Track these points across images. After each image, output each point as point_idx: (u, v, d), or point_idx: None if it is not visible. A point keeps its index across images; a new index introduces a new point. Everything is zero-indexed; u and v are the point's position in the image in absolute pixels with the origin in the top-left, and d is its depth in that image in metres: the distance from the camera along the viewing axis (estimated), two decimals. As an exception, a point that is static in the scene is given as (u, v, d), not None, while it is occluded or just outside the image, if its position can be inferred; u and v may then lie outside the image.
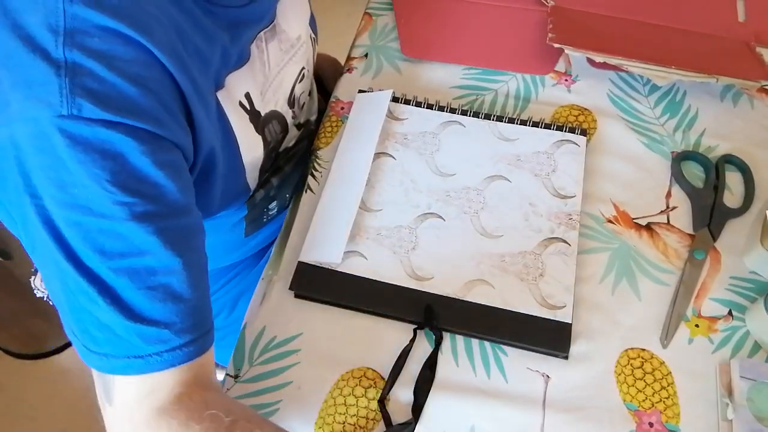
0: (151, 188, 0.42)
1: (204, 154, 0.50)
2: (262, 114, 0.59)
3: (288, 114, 0.65)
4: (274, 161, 0.67)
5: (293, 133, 0.70)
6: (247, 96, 0.56)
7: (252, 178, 0.62)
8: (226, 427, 0.44)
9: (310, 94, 0.74)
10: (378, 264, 0.62)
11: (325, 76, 0.95)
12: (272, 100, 0.61)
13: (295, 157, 0.72)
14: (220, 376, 1.00)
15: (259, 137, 0.60)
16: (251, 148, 0.59)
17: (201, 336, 0.46)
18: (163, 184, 0.43)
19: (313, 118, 0.77)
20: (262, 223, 0.71)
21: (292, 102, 0.65)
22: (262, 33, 0.58)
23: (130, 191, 0.41)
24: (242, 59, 0.55)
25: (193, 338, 0.45)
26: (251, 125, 0.58)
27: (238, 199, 0.63)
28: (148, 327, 0.43)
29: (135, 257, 0.42)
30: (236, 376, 0.59)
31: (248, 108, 0.57)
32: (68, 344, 1.49)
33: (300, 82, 0.66)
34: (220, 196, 0.57)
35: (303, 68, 0.66)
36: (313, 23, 0.70)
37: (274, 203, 0.71)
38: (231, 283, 0.76)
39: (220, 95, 0.53)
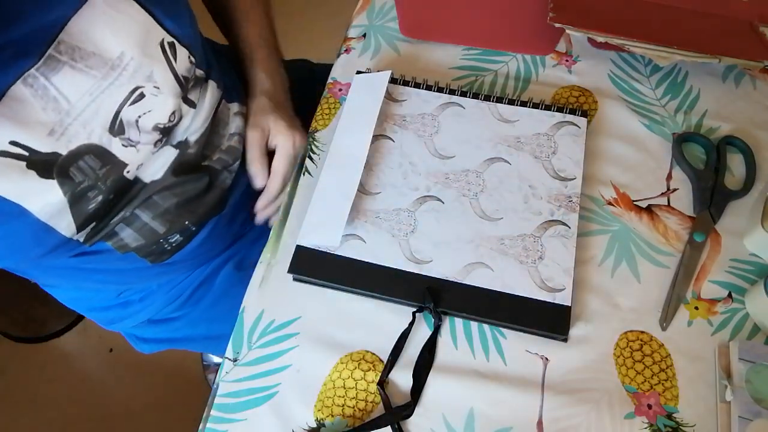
0: None
1: None
2: (63, 153, 0.54)
3: (111, 143, 0.57)
4: (133, 195, 0.62)
5: (149, 160, 0.62)
6: (15, 144, 0.50)
7: (63, 224, 0.57)
8: None
9: (173, 113, 0.62)
10: (377, 247, 0.62)
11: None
12: (82, 134, 0.54)
13: (172, 188, 0.64)
14: (218, 360, 1.00)
15: (51, 182, 0.54)
16: (35, 196, 0.53)
17: None
18: None
19: (194, 138, 0.66)
20: (167, 252, 0.68)
21: (120, 128, 0.57)
22: (32, 70, 0.50)
23: None
24: None
25: None
26: (31, 171, 0.52)
27: (59, 247, 0.59)
28: None
29: None
30: (235, 360, 0.59)
31: (22, 154, 0.51)
32: (68, 328, 1.49)
33: (132, 104, 0.57)
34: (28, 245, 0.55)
35: (137, 88, 0.57)
36: (179, 28, 0.59)
37: (176, 235, 0.67)
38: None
39: None
